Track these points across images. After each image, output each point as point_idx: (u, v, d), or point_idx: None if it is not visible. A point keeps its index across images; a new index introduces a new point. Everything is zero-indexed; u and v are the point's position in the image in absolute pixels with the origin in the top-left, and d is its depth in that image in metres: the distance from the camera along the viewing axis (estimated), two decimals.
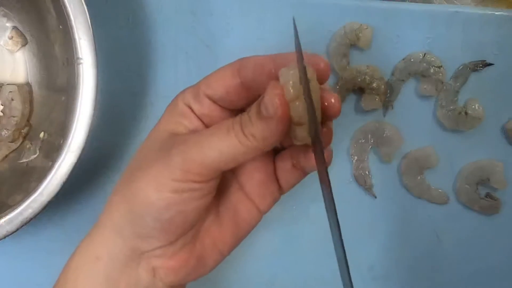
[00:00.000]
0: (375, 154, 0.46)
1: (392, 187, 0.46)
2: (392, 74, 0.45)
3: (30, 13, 0.42)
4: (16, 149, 0.43)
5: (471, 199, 0.45)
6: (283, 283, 0.46)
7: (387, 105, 0.45)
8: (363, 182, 0.45)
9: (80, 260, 0.30)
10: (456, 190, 0.46)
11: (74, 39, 0.35)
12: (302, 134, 0.27)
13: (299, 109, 0.26)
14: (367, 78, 0.43)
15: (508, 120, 0.45)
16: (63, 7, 0.35)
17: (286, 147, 0.32)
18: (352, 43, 0.43)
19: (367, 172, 0.45)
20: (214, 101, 0.30)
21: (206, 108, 0.30)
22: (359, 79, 0.43)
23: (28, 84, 0.44)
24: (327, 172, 0.27)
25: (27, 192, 0.35)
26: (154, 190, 0.27)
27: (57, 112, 0.42)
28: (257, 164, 0.31)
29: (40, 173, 0.37)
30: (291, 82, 0.26)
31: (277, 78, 0.28)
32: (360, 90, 0.44)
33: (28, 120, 0.44)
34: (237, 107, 0.31)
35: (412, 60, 0.44)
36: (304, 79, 0.26)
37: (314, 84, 0.27)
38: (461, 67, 0.44)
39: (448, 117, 0.44)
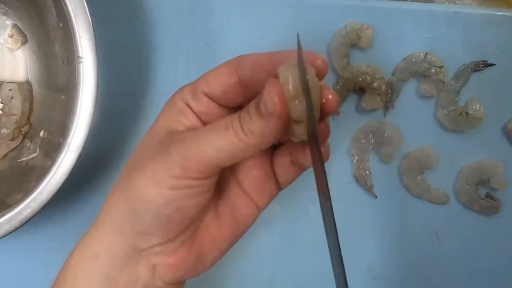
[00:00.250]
0: (376, 154, 0.46)
1: (393, 187, 0.46)
2: (393, 74, 0.44)
3: (30, 11, 0.42)
4: (15, 147, 0.43)
5: (471, 199, 0.45)
6: (282, 282, 0.46)
7: (387, 105, 0.45)
8: (363, 182, 0.45)
9: (79, 258, 0.30)
10: (456, 190, 0.46)
11: (75, 38, 0.35)
12: (300, 131, 0.27)
13: (298, 108, 0.26)
14: (368, 78, 0.43)
15: (509, 120, 0.45)
16: (63, 5, 0.35)
17: (284, 143, 0.32)
18: (353, 43, 0.43)
19: (367, 172, 0.45)
20: (212, 98, 0.30)
21: (204, 105, 0.30)
22: (360, 79, 0.43)
23: (28, 82, 0.44)
24: (324, 172, 0.27)
25: (27, 191, 0.35)
26: (152, 187, 0.27)
27: (57, 111, 0.41)
28: (255, 160, 0.31)
29: (39, 172, 0.37)
30: (290, 81, 0.26)
31: (275, 76, 0.27)
32: (361, 90, 0.44)
33: (28, 119, 0.44)
34: (235, 105, 0.31)
35: (413, 60, 0.44)
36: (304, 78, 0.26)
37: (313, 82, 0.27)
38: (462, 67, 0.44)
39: (449, 117, 0.44)
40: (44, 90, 0.44)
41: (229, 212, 0.32)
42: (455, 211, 0.46)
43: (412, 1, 0.47)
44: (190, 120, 0.30)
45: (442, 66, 0.44)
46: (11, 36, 0.44)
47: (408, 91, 0.45)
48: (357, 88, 0.44)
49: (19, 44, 0.44)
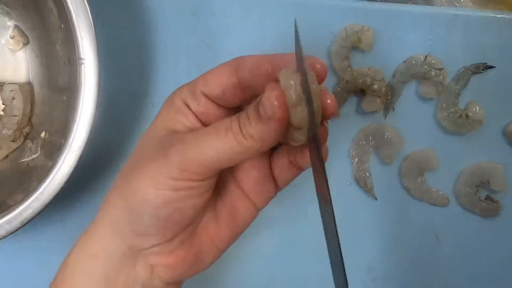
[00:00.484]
0: (376, 156, 0.46)
1: (393, 189, 0.46)
2: (393, 76, 0.45)
3: (32, 12, 0.42)
4: (17, 148, 0.43)
5: (471, 201, 0.45)
6: (282, 282, 0.46)
7: (388, 107, 0.45)
8: (363, 184, 0.45)
9: (77, 257, 0.30)
10: (456, 193, 0.46)
11: (76, 39, 0.35)
12: (300, 137, 0.27)
13: (299, 115, 0.26)
14: (368, 80, 0.43)
15: (509, 122, 0.45)
16: (65, 6, 0.35)
17: (282, 143, 0.32)
18: (354, 45, 0.43)
19: (367, 174, 0.45)
20: (210, 99, 0.30)
21: (202, 105, 0.30)
22: (360, 81, 0.43)
23: (29, 83, 0.44)
24: (325, 177, 0.27)
25: (28, 191, 0.35)
26: (151, 188, 0.27)
27: (58, 112, 0.41)
28: (254, 161, 0.32)
29: (41, 173, 0.37)
30: (292, 87, 0.26)
31: (274, 79, 0.28)
32: (361, 92, 0.44)
33: (29, 120, 0.44)
34: (234, 106, 0.31)
35: (413, 62, 0.44)
36: (306, 84, 0.26)
37: (315, 88, 0.27)
38: (462, 69, 0.44)
39: (449, 119, 0.44)
40: (46, 91, 0.44)
41: (227, 212, 0.32)
42: (455, 213, 0.46)
43: (412, 3, 0.47)
44: (189, 120, 0.30)
45: (442, 68, 0.44)
46: (12, 37, 0.44)
47: (409, 93, 0.45)
48: (357, 90, 0.44)
49: (21, 45, 0.44)
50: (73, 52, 0.35)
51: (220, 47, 0.45)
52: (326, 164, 0.28)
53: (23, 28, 0.44)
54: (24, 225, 0.35)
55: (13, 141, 0.43)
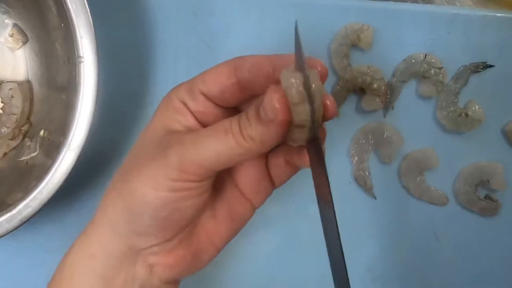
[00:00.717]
0: (375, 155, 0.46)
1: (392, 188, 0.46)
2: (393, 75, 0.45)
3: (31, 11, 0.42)
4: (16, 147, 0.43)
5: (470, 200, 0.45)
6: (282, 282, 0.46)
7: (387, 106, 0.45)
8: (363, 183, 0.45)
9: (75, 257, 0.30)
10: (456, 192, 0.46)
11: (75, 37, 0.35)
12: (302, 136, 0.27)
13: (302, 114, 0.26)
14: (368, 78, 0.43)
15: (508, 122, 0.45)
16: (64, 5, 0.35)
17: (279, 143, 0.32)
18: (353, 43, 0.43)
19: (367, 173, 0.45)
20: (208, 98, 0.30)
21: (200, 105, 0.30)
22: (360, 80, 0.43)
23: (28, 81, 0.44)
24: (327, 178, 0.27)
25: (27, 190, 0.35)
26: (150, 189, 0.27)
27: (57, 110, 0.41)
28: (250, 160, 0.32)
29: (40, 171, 0.37)
30: (295, 85, 0.26)
31: (274, 80, 0.27)
32: (360, 91, 0.44)
33: (28, 118, 0.44)
34: (232, 105, 0.31)
35: (413, 61, 0.44)
36: (308, 82, 0.26)
37: (317, 86, 0.26)
38: (462, 68, 0.44)
39: (448, 118, 0.44)
40: (45, 90, 0.44)
41: (225, 210, 0.32)
42: (455, 212, 0.46)
43: (412, 2, 0.47)
44: (187, 119, 0.30)
45: (441, 67, 0.44)
46: (11, 36, 0.44)
47: (408, 92, 0.45)
48: (357, 89, 0.44)
49: (20, 43, 0.44)
50: (73, 51, 0.35)
51: (220, 46, 0.45)
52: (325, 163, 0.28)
53: (22, 27, 0.44)
54: (23, 223, 0.35)
55: (12, 139, 0.43)
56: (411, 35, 0.44)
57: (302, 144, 0.28)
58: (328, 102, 0.28)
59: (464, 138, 0.45)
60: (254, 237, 0.46)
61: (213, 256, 0.32)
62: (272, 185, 0.33)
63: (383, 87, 0.44)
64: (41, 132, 0.42)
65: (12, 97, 0.43)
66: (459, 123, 0.44)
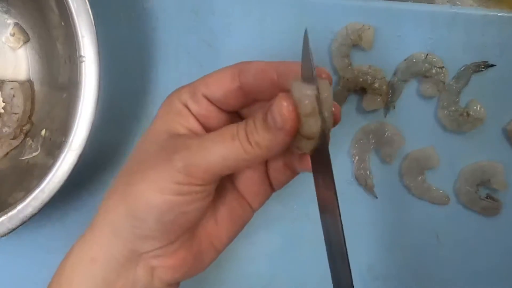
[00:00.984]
0: (376, 154, 0.46)
1: (393, 188, 0.46)
2: (394, 74, 0.45)
3: (32, 10, 0.42)
4: (17, 146, 0.43)
5: (471, 200, 0.45)
6: (282, 282, 0.46)
7: (388, 105, 0.45)
8: (364, 182, 0.45)
9: (75, 261, 0.30)
10: (457, 191, 0.46)
11: (77, 37, 0.35)
12: (308, 146, 0.27)
13: (313, 126, 0.26)
14: (369, 78, 0.43)
15: (510, 121, 0.45)
16: (65, 4, 0.35)
17: None
18: (354, 43, 0.43)
19: (368, 172, 0.45)
20: (211, 101, 0.30)
21: (203, 108, 0.30)
22: (361, 79, 0.43)
23: (29, 81, 0.44)
24: (334, 187, 0.27)
25: (28, 189, 0.35)
26: (156, 193, 0.27)
27: (58, 110, 0.41)
28: None
29: (41, 171, 0.37)
30: (308, 98, 0.26)
31: (279, 86, 0.28)
32: (362, 90, 0.44)
33: (29, 117, 0.44)
34: (234, 109, 0.31)
35: (414, 60, 0.44)
36: (319, 96, 0.26)
37: (329, 97, 0.27)
38: (463, 68, 0.44)
39: (450, 118, 0.44)
40: (46, 89, 0.44)
41: (226, 212, 0.32)
42: (456, 211, 0.46)
43: (413, 2, 0.47)
44: (190, 122, 0.30)
45: (443, 67, 0.44)
46: (13, 35, 0.44)
47: (409, 92, 0.45)
48: (358, 89, 0.44)
49: (21, 43, 0.44)
50: (74, 50, 0.35)
51: (220, 46, 0.45)
52: None
53: (23, 26, 0.44)
54: (24, 223, 0.35)
55: (13, 139, 0.43)
56: (412, 35, 0.44)
57: (306, 152, 0.28)
58: (333, 108, 0.28)
59: (465, 137, 0.45)
60: (255, 237, 0.46)
61: (213, 258, 0.32)
62: (271, 188, 0.33)
63: (384, 87, 0.44)
64: (43, 132, 0.42)
65: (14, 96, 0.43)
66: (460, 122, 0.44)
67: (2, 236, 0.35)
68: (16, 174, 0.42)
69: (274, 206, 0.45)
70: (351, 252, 0.28)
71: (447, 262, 0.46)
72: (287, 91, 0.26)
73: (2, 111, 0.44)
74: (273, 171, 0.32)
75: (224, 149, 0.27)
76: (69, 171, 0.35)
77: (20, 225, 0.35)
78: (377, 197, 0.45)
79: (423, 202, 0.46)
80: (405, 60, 0.44)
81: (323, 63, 0.44)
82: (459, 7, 0.47)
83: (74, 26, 0.35)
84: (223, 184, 0.32)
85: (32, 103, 0.44)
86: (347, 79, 0.43)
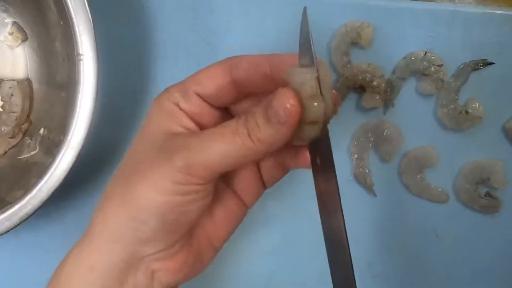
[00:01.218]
0: (375, 153, 0.46)
1: (392, 186, 0.46)
2: (393, 72, 0.44)
3: (30, 9, 0.42)
4: (16, 145, 0.43)
5: (471, 198, 0.45)
6: (282, 280, 0.46)
7: (387, 103, 0.45)
8: (363, 181, 0.45)
9: (71, 269, 0.29)
10: (456, 189, 0.46)
11: (75, 35, 0.35)
12: (311, 133, 0.27)
13: (317, 109, 0.26)
14: (368, 76, 0.43)
15: (509, 119, 0.45)
16: (63, 2, 0.35)
17: None
18: (354, 41, 0.43)
19: (367, 171, 0.45)
20: (203, 98, 0.30)
21: (195, 105, 0.30)
22: (360, 77, 0.43)
23: (28, 79, 0.44)
24: (335, 174, 0.27)
25: (27, 188, 0.35)
26: (157, 193, 0.27)
27: (57, 108, 0.41)
28: None
29: (39, 169, 0.37)
30: (309, 82, 0.25)
31: (272, 79, 0.28)
32: (361, 88, 0.44)
33: (28, 116, 0.44)
34: (226, 105, 0.31)
35: (413, 58, 0.44)
36: (318, 78, 0.26)
37: (328, 79, 0.26)
38: (462, 66, 0.44)
39: (449, 116, 0.44)
40: (44, 88, 0.44)
41: (222, 211, 0.32)
42: (455, 210, 0.46)
43: None
44: (184, 121, 0.30)
45: (442, 65, 0.44)
46: (11, 34, 0.44)
47: (408, 90, 0.45)
48: (357, 87, 0.44)
49: (19, 41, 0.44)
50: (72, 49, 0.35)
51: (219, 44, 0.45)
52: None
53: (21, 25, 0.44)
54: (23, 221, 0.35)
55: (12, 137, 0.43)
56: (411, 33, 0.44)
57: (307, 142, 0.28)
58: (335, 99, 0.28)
59: (464, 135, 0.45)
60: (255, 235, 0.46)
61: (212, 257, 0.32)
62: (263, 186, 0.33)
63: (383, 85, 0.44)
64: (41, 130, 0.42)
65: (12, 95, 0.43)
66: (459, 120, 0.44)
67: (0, 235, 0.35)
68: (14, 173, 0.41)
69: (274, 204, 0.45)
70: (351, 250, 0.28)
71: (446, 260, 0.46)
72: (282, 83, 0.27)
73: (1, 110, 0.44)
74: (265, 169, 0.33)
75: (225, 147, 0.27)
76: (68, 169, 0.35)
77: (19, 224, 0.35)
78: (376, 196, 0.45)
79: (423, 200, 0.46)
80: (404, 58, 0.44)
81: None
82: (458, 5, 0.47)
83: (72, 24, 0.35)
84: (217, 182, 0.32)
85: (31, 101, 0.44)
86: (346, 77, 0.43)
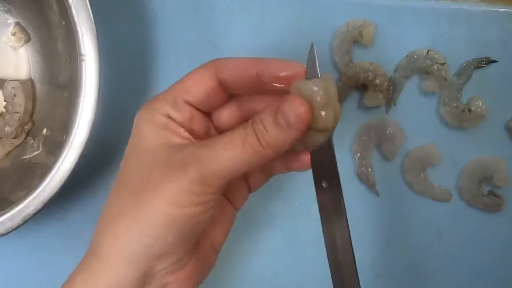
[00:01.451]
0: (378, 152, 0.46)
1: (395, 185, 0.46)
2: (395, 71, 0.44)
3: (33, 10, 0.42)
4: (19, 145, 0.43)
5: (474, 196, 0.45)
6: (285, 279, 0.46)
7: (390, 102, 0.44)
8: (366, 180, 0.45)
9: None
10: (459, 188, 0.46)
11: (77, 36, 0.35)
12: (320, 140, 0.28)
13: (327, 118, 0.27)
14: (370, 74, 0.43)
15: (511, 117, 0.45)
16: (66, 3, 0.35)
17: None
18: (355, 40, 0.43)
19: (369, 170, 0.45)
20: (194, 106, 0.30)
21: (187, 114, 0.30)
22: (362, 76, 0.43)
23: (30, 80, 0.44)
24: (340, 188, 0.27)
25: (30, 188, 0.35)
26: (174, 207, 0.27)
27: (59, 109, 0.41)
28: None
29: (42, 170, 0.37)
30: (319, 92, 0.27)
31: (259, 83, 0.28)
32: (363, 87, 0.44)
33: (31, 116, 0.44)
34: (215, 109, 0.31)
35: (415, 57, 0.44)
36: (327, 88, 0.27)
37: (335, 90, 0.28)
38: (465, 64, 0.44)
39: (451, 114, 0.44)
40: (47, 88, 0.44)
41: (219, 215, 0.33)
42: (458, 208, 0.46)
43: None
44: (180, 131, 0.30)
45: (444, 63, 0.43)
46: (14, 34, 0.44)
47: (410, 88, 0.45)
48: (359, 85, 0.44)
49: (22, 42, 0.44)
50: (74, 49, 0.35)
51: (221, 43, 0.45)
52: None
53: (24, 25, 0.44)
54: (26, 221, 0.35)
55: (15, 138, 0.43)
56: (414, 31, 0.44)
57: (313, 148, 0.29)
58: None
59: (467, 134, 0.45)
60: (257, 235, 0.46)
61: (215, 259, 0.33)
62: (249, 189, 0.34)
63: (385, 83, 0.43)
64: (44, 131, 0.42)
65: (15, 95, 0.43)
66: (462, 119, 0.44)
67: (3, 235, 0.35)
68: (17, 173, 0.42)
69: (276, 203, 0.45)
70: (353, 250, 0.28)
71: (449, 258, 0.46)
72: (270, 84, 0.28)
73: (4, 110, 0.44)
74: (252, 174, 0.34)
75: (235, 155, 0.27)
76: (70, 170, 0.35)
77: (22, 224, 0.35)
78: (379, 195, 0.45)
79: (426, 199, 0.46)
80: (406, 56, 0.44)
81: (324, 60, 0.44)
82: (460, 3, 0.47)
83: (74, 24, 0.35)
84: None
85: (33, 102, 0.44)
86: (348, 76, 0.43)
